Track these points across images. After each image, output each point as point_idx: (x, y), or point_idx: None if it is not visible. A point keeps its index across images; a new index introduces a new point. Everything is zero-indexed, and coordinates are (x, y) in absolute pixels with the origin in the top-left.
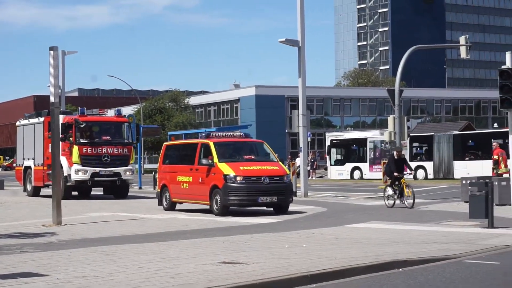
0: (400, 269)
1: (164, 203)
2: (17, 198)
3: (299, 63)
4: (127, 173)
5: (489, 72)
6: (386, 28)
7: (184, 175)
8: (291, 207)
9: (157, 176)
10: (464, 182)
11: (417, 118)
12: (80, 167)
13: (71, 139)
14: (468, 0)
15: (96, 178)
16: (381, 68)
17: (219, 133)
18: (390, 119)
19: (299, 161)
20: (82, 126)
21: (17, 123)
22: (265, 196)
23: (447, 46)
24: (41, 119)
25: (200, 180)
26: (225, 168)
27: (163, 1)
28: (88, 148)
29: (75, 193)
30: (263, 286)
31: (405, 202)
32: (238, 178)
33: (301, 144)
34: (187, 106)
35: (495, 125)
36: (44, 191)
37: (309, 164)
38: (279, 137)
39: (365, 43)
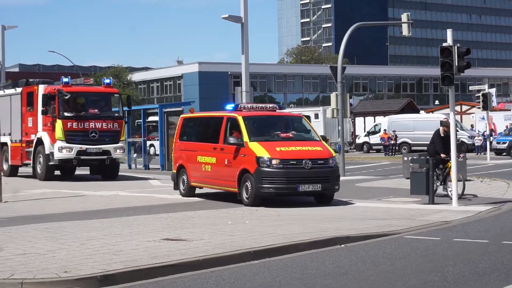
0: (343, 245)
1: (181, 187)
2: None
3: (242, 39)
4: (118, 151)
5: (431, 49)
6: (329, 5)
7: (206, 155)
8: None
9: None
10: (405, 158)
11: (360, 95)
12: (64, 144)
13: (54, 112)
14: None
15: (82, 157)
16: (324, 45)
17: (249, 105)
18: (333, 96)
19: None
20: (66, 97)
21: None
22: (307, 184)
23: (389, 23)
24: (18, 90)
25: (226, 162)
26: (258, 149)
27: None
28: (74, 123)
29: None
30: (206, 263)
31: (448, 192)
32: (274, 162)
33: None
34: (129, 82)
35: (436, 102)
36: (23, 170)
37: None
38: None
39: (308, 20)
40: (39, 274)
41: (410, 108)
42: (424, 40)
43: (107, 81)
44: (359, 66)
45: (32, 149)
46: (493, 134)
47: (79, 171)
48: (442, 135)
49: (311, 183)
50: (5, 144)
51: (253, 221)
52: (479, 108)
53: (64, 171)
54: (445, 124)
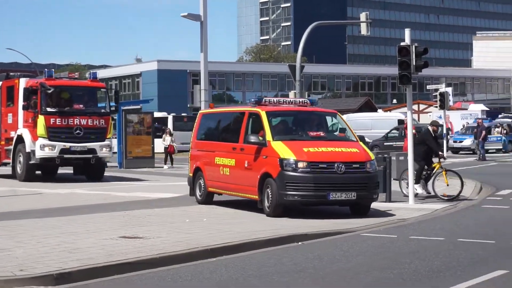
0: (300, 243)
1: (198, 193)
2: None
3: (201, 38)
4: (104, 149)
5: (389, 48)
6: (288, 4)
7: (224, 156)
8: None
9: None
10: None
11: (318, 94)
12: (46, 141)
13: (35, 107)
14: None
15: (66, 156)
16: (283, 43)
17: (275, 99)
18: (291, 94)
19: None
20: (49, 91)
21: None
22: (339, 191)
23: (348, 22)
24: None
25: (246, 165)
26: (282, 150)
27: None
28: (57, 119)
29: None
30: (163, 260)
31: (435, 191)
32: (300, 165)
33: None
34: None
35: (394, 101)
36: (3, 170)
37: None
38: (181, 112)
39: (267, 18)
40: None
41: (368, 107)
42: (382, 40)
43: (92, 75)
44: (318, 65)
45: (11, 147)
46: (450, 133)
47: (62, 171)
48: (433, 135)
49: (345, 191)
50: None
51: (211, 218)
52: (436, 107)
53: (45, 171)
54: (435, 123)
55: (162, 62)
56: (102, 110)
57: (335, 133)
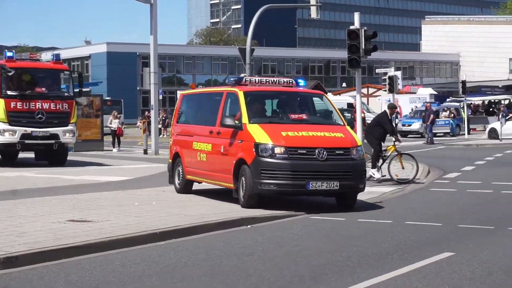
0: (249, 226)
1: (177, 181)
2: None
3: (151, 20)
4: (67, 134)
5: (339, 32)
6: None
7: (201, 140)
8: (143, 164)
9: None
10: None
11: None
12: (7, 126)
13: None
14: None
15: (27, 141)
16: (233, 26)
17: (257, 78)
18: None
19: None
20: (10, 73)
21: None
22: (320, 180)
23: (298, 6)
24: None
25: (222, 150)
26: (258, 133)
27: None
28: (18, 103)
29: None
30: (112, 244)
31: (392, 175)
32: (277, 150)
33: (152, 102)
34: None
35: (344, 84)
36: None
37: (161, 122)
38: (130, 94)
39: (217, 1)
40: None
41: (318, 90)
42: (332, 23)
43: (56, 55)
44: (268, 48)
45: None
46: (399, 116)
47: (22, 155)
48: (389, 117)
49: (326, 180)
50: None
51: (160, 202)
52: (385, 90)
53: (5, 156)
54: (392, 106)
55: (112, 45)
56: (66, 94)
57: (320, 117)
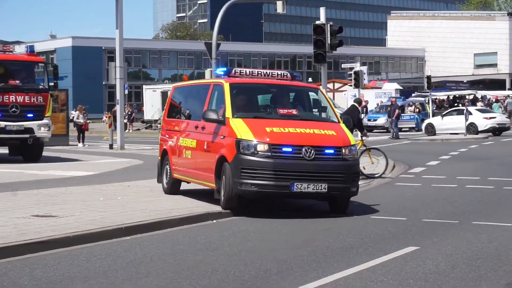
0: (214, 221)
1: (165, 180)
2: None
3: (117, 14)
4: (42, 128)
5: (305, 27)
6: None
7: (188, 136)
8: (109, 159)
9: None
10: None
11: None
12: None
13: None
14: None
15: (0, 135)
16: (199, 21)
17: (248, 70)
18: (207, 72)
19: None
20: None
21: None
22: (306, 182)
23: (264, 0)
24: None
25: (205, 146)
26: (241, 129)
27: None
28: None
29: None
30: (77, 239)
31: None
32: (260, 147)
33: (118, 97)
34: None
35: (310, 79)
36: None
37: (126, 117)
38: (96, 89)
39: None
40: None
41: None
42: (298, 18)
43: (29, 48)
44: (234, 43)
45: None
46: (365, 111)
47: None
48: (360, 112)
49: (313, 181)
50: None
51: (125, 197)
52: (351, 85)
53: None
54: (359, 101)
55: (77, 39)
56: (40, 86)
57: (313, 113)
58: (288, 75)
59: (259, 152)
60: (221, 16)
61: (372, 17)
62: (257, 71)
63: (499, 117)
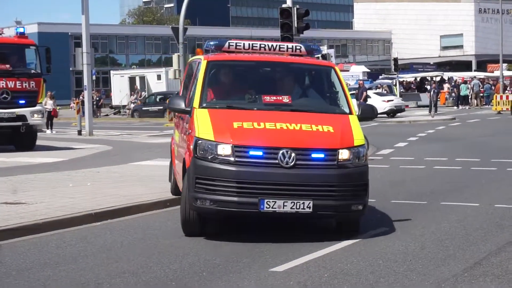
0: None
1: (172, 179)
2: None
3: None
4: (35, 115)
5: (271, 11)
6: None
7: (177, 129)
8: (77, 145)
9: None
10: None
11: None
12: None
13: None
14: None
15: None
16: (165, 6)
17: (247, 43)
18: (175, 57)
19: None
20: None
21: None
22: (281, 198)
23: None
24: None
25: (180, 145)
26: (202, 123)
27: None
28: None
29: None
30: (46, 226)
31: None
32: (220, 149)
33: (85, 83)
34: None
35: None
36: None
37: (94, 103)
38: (63, 75)
39: None
40: None
41: None
42: (265, 2)
43: (21, 30)
44: (201, 27)
45: None
46: None
47: None
48: None
49: (292, 197)
50: None
51: (95, 182)
52: None
53: None
54: None
55: (43, 25)
56: (32, 71)
57: (317, 100)
58: (303, 48)
59: (219, 157)
60: (187, 0)
61: (339, 0)
62: (260, 44)
63: (396, 100)
